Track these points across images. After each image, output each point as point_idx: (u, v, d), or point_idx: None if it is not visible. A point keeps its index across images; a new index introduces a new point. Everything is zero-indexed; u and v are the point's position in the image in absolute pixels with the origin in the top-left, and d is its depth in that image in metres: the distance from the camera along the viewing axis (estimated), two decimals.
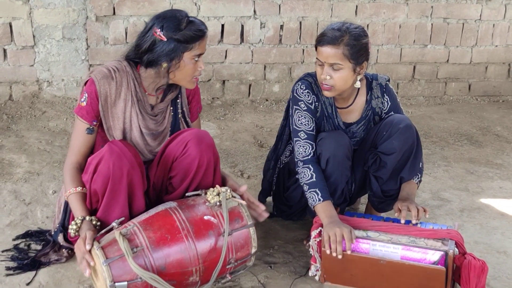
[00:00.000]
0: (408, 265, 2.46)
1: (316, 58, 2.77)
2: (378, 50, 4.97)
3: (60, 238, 2.70)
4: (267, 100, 4.87)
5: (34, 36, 4.27)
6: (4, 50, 4.27)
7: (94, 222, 2.44)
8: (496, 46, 5.21)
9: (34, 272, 2.63)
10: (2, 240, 2.84)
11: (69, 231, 2.46)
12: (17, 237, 2.87)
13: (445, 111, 5.01)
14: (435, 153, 4.16)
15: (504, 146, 4.36)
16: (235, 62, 4.71)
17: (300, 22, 4.70)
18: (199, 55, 2.58)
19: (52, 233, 2.78)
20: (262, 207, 2.68)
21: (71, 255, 2.72)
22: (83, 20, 4.30)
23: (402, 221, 2.68)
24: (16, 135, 4.00)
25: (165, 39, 2.51)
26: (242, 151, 4.03)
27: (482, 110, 5.08)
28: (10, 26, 4.22)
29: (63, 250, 2.73)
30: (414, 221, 2.66)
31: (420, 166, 2.92)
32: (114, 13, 4.32)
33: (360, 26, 2.81)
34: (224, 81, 4.76)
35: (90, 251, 2.35)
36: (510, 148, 4.32)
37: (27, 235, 2.89)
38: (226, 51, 4.66)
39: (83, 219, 2.44)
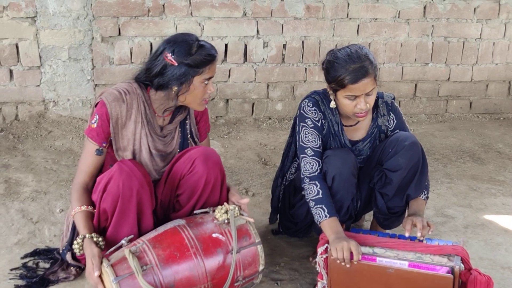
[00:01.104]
0: (416, 273, 2.48)
1: (347, 95, 2.73)
2: (379, 68, 4.94)
3: (68, 257, 2.72)
4: (270, 118, 4.91)
5: (40, 57, 4.33)
6: (11, 71, 4.33)
7: (95, 239, 2.47)
8: (497, 64, 5.27)
9: None
10: (11, 258, 2.87)
11: (74, 250, 2.49)
12: (26, 256, 2.89)
13: (447, 128, 5.05)
14: (438, 170, 4.20)
15: (506, 163, 4.40)
16: (238, 81, 4.76)
17: (303, 42, 4.76)
18: (209, 79, 2.61)
19: (60, 251, 2.80)
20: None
21: (79, 273, 2.74)
22: (89, 40, 4.35)
23: (407, 234, 2.70)
24: (23, 155, 4.03)
25: (176, 64, 2.54)
26: (246, 169, 4.06)
27: (484, 127, 5.12)
28: (17, 47, 4.28)
29: (71, 268, 2.75)
30: (419, 235, 2.68)
31: (426, 183, 2.95)
32: (119, 34, 4.38)
33: (358, 45, 2.85)
34: (227, 100, 4.81)
35: (100, 276, 2.39)
36: None
37: (35, 253, 2.91)
38: (229, 70, 4.71)
39: (83, 238, 2.47)
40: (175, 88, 2.57)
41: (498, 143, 4.77)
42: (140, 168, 2.55)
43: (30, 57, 4.30)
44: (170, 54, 2.54)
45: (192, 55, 2.54)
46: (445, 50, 5.11)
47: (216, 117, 4.83)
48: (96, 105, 2.65)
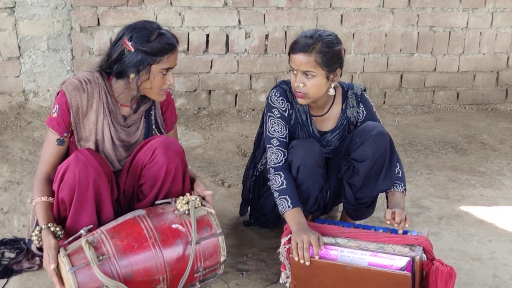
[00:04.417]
0: (374, 271, 2.46)
1: (290, 66, 2.79)
2: (364, 59, 4.98)
3: (33, 247, 2.70)
4: (253, 109, 4.88)
5: (19, 47, 4.31)
6: None
7: (52, 229, 2.44)
8: (484, 54, 5.22)
9: (5, 280, 2.64)
10: None
11: (32, 240, 2.47)
12: None
13: (432, 119, 5.01)
14: (418, 161, 4.16)
15: (489, 154, 4.36)
16: (220, 72, 4.73)
17: (285, 32, 4.73)
18: (168, 69, 2.58)
19: (26, 241, 2.79)
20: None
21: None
22: (67, 31, 4.34)
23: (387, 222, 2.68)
24: (0, 145, 4.02)
25: (133, 50, 2.52)
26: (224, 160, 4.04)
27: (470, 118, 5.08)
28: None
29: (36, 258, 2.74)
30: (396, 226, 2.66)
31: (400, 174, 2.92)
32: (98, 24, 4.36)
33: (333, 33, 2.82)
34: (210, 91, 4.78)
35: (58, 267, 2.39)
36: (494, 156, 4.32)
37: (2, 243, 2.90)
38: (211, 61, 4.69)
39: (40, 229, 2.45)
40: (132, 76, 2.54)
41: (482, 134, 4.73)
42: (98, 157, 2.53)
43: (9, 47, 4.29)
44: (128, 40, 2.52)
45: (150, 42, 2.51)
46: (431, 40, 5.06)
47: (199, 108, 4.81)
48: (57, 94, 2.63)
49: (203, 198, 2.64)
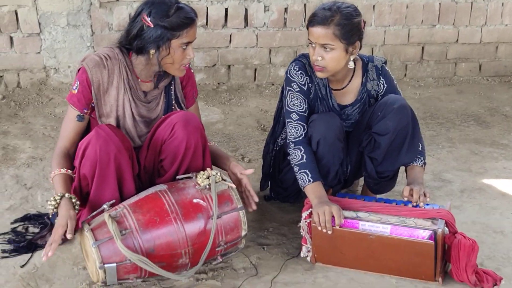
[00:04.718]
0: (397, 239, 2.46)
1: (308, 39, 2.76)
2: (385, 31, 4.92)
3: None
4: (273, 84, 4.86)
5: (39, 24, 4.32)
6: (11, 38, 4.33)
7: (73, 200, 2.46)
8: (506, 25, 5.11)
9: (29, 255, 2.68)
10: (1, 223, 2.90)
11: (48, 207, 2.47)
12: (16, 221, 2.92)
13: (454, 92, 4.95)
14: (440, 135, 4.13)
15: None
16: (239, 47, 4.70)
17: (305, 5, 4.67)
18: (187, 43, 2.57)
19: (50, 216, 2.82)
20: (255, 198, 2.68)
21: None
22: (87, 6, 4.33)
23: (405, 199, 2.67)
24: (23, 122, 4.06)
25: (152, 26, 2.51)
26: (244, 135, 4.04)
27: (492, 90, 5.01)
28: (16, 14, 4.27)
29: None
30: (414, 204, 2.65)
31: (421, 148, 2.90)
32: None
33: (353, 5, 2.79)
34: (229, 66, 4.76)
35: (81, 241, 2.41)
36: None
37: (26, 218, 2.95)
38: (230, 35, 4.66)
39: (62, 196, 2.46)
40: (152, 51, 2.54)
41: (505, 106, 4.66)
42: (118, 133, 2.54)
43: (29, 23, 4.30)
44: (147, 16, 2.51)
45: (169, 17, 2.50)
46: (453, 11, 4.97)
47: (218, 83, 4.80)
48: (78, 71, 2.64)
49: (236, 174, 2.67)
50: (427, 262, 2.48)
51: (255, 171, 3.49)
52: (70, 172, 2.56)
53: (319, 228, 2.53)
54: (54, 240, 2.35)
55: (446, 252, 2.55)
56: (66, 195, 2.46)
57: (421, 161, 2.87)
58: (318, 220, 2.53)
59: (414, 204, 2.64)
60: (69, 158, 2.59)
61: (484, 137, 4.11)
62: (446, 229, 2.52)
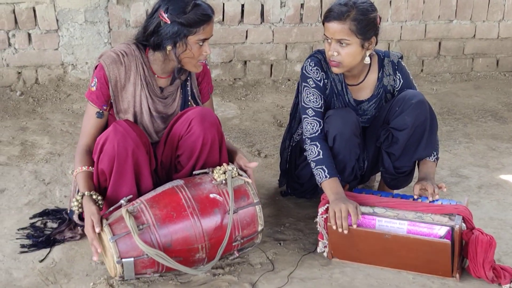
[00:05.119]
0: (413, 238, 2.46)
1: (324, 35, 2.76)
2: (401, 26, 4.89)
3: (75, 217, 2.76)
4: (289, 80, 4.86)
5: (57, 20, 4.35)
6: (29, 35, 4.37)
7: (94, 197, 2.49)
8: None
9: (48, 250, 2.71)
10: (20, 218, 2.94)
11: (72, 208, 2.52)
12: (34, 216, 2.95)
13: (471, 87, 4.92)
14: (457, 130, 4.11)
15: None
16: (256, 42, 4.71)
17: (321, 0, 4.66)
18: (204, 40, 2.58)
19: (68, 211, 2.85)
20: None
21: None
22: (104, 3, 4.36)
23: (416, 197, 2.67)
24: (41, 118, 4.10)
25: (169, 22, 2.53)
26: (261, 130, 4.05)
27: (510, 85, 4.97)
28: (34, 11, 4.30)
29: (78, 227, 2.80)
30: (430, 199, 2.65)
31: (436, 144, 2.89)
32: None
33: (369, 0, 2.78)
34: (245, 62, 4.77)
35: (100, 235, 2.43)
36: None
37: (44, 213, 2.97)
38: (246, 31, 4.66)
39: (82, 195, 2.49)
40: (169, 48, 2.56)
41: None
42: (136, 128, 2.56)
43: (47, 20, 4.33)
44: (164, 12, 2.52)
45: (186, 13, 2.51)
46: (470, 6, 4.94)
47: (234, 79, 4.80)
48: (95, 68, 2.66)
49: (244, 171, 2.66)
50: (444, 259, 2.47)
51: (271, 166, 3.53)
52: (92, 168, 2.58)
53: (334, 227, 2.53)
54: (91, 238, 2.42)
55: (464, 248, 2.54)
56: (86, 193, 2.50)
57: (434, 156, 2.87)
58: (334, 216, 2.53)
59: (431, 199, 2.64)
60: (90, 154, 2.62)
61: (502, 133, 4.08)
62: (464, 225, 2.51)
